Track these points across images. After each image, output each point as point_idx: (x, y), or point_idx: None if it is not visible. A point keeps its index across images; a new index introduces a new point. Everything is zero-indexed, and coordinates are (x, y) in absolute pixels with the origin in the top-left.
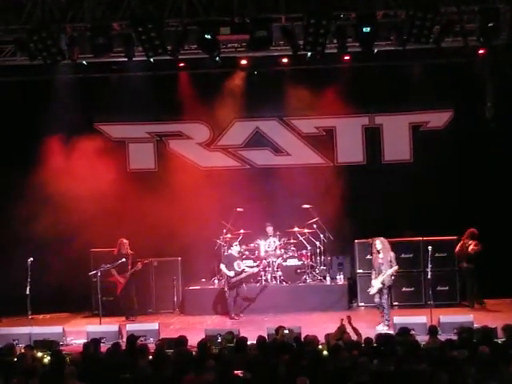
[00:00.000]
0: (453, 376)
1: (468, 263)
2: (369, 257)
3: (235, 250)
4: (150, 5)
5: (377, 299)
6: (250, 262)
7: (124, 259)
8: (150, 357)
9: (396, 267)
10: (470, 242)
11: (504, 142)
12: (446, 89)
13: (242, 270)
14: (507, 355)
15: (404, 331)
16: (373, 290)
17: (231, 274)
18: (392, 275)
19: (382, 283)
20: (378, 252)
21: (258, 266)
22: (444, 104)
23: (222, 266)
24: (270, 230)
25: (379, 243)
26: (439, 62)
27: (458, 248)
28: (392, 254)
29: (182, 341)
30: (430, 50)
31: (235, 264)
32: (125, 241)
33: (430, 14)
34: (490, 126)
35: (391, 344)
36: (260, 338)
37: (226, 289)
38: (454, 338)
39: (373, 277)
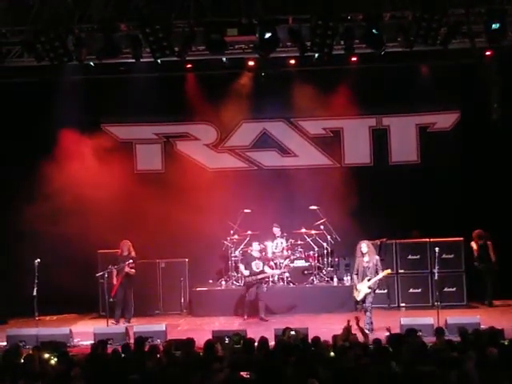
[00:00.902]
0: (459, 377)
1: (492, 264)
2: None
3: (255, 249)
4: (157, 6)
5: (363, 303)
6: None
7: (131, 260)
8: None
9: (388, 270)
10: (489, 243)
11: (510, 142)
12: (452, 90)
13: (261, 271)
14: None
15: (411, 332)
16: (360, 295)
17: (246, 272)
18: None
19: (370, 287)
20: (363, 255)
21: (277, 267)
22: (451, 105)
23: (241, 266)
24: (277, 231)
25: (365, 246)
26: (446, 64)
27: (475, 248)
28: (377, 258)
29: (189, 342)
30: (436, 52)
31: (253, 264)
32: (127, 242)
33: (437, 16)
34: (497, 127)
35: (399, 345)
36: (262, 339)
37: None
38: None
39: (356, 281)
